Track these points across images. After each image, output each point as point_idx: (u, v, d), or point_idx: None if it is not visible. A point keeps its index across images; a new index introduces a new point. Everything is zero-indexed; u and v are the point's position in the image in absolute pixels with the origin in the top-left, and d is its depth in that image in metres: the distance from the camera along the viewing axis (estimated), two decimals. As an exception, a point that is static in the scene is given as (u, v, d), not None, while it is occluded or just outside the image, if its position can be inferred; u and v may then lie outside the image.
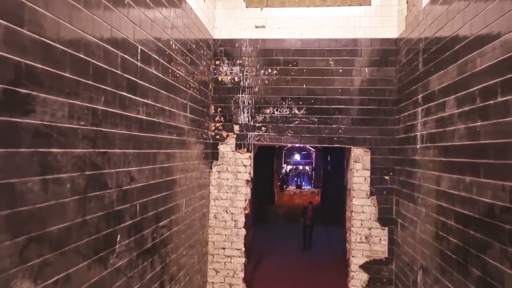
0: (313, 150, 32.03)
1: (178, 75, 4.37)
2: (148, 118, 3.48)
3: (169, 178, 4.16)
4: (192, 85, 4.98)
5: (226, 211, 6.18)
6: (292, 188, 31.93)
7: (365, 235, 5.97)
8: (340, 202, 15.11)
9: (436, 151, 4.13)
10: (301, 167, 37.41)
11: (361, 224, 5.98)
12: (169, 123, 4.09)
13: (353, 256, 5.98)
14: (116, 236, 2.86)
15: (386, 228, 5.93)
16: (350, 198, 6.31)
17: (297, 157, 38.22)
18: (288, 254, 12.61)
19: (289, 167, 37.69)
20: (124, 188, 2.98)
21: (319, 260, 11.64)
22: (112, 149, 2.78)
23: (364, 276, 5.94)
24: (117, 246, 2.88)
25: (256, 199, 15.15)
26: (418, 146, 4.76)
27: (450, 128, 3.78)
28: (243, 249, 6.19)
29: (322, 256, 12.39)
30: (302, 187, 31.98)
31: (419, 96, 4.75)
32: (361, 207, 5.98)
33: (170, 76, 4.07)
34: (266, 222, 17.11)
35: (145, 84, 3.40)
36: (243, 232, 6.19)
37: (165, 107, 3.95)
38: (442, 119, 3.99)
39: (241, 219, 6.18)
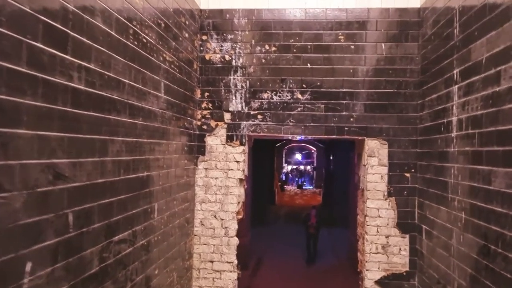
0: (315, 149, 31.29)
1: (146, 41, 3.36)
2: (90, 90, 2.47)
3: (132, 176, 3.15)
4: (168, 59, 3.96)
5: (215, 216, 5.17)
6: (293, 188, 31.10)
7: (381, 244, 4.95)
8: (344, 202, 14.37)
9: (484, 139, 3.12)
10: (302, 167, 36.60)
11: (377, 231, 4.96)
12: (131, 102, 3.08)
13: (367, 270, 4.97)
14: (24, 263, 1.84)
15: (407, 236, 4.92)
16: (363, 199, 5.29)
17: (298, 156, 37.49)
18: (289, 259, 11.63)
19: (290, 167, 36.90)
20: (41, 190, 1.97)
21: (321, 266, 10.69)
22: (13, 129, 1.77)
23: (380, 294, 4.93)
24: (26, 280, 1.86)
25: (255, 199, 14.30)
26: (453, 134, 3.74)
27: (508, 106, 2.77)
28: (236, 261, 5.18)
29: (325, 261, 11.46)
30: (303, 187, 31.18)
31: (454, 72, 3.74)
32: (377, 211, 4.97)
33: (131, 39, 3.06)
34: (266, 223, 16.21)
35: (85, 40, 2.38)
36: (235, 241, 5.18)
37: (124, 80, 2.94)
38: (494, 96, 2.97)
39: (233, 226, 5.16)
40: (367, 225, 4.98)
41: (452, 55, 3.79)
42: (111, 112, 2.73)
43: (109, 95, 2.71)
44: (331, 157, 17.79)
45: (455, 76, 3.72)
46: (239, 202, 5.19)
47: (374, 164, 4.98)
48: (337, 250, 12.47)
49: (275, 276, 10.11)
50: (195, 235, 5.17)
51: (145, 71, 3.35)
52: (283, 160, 35.53)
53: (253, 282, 9.99)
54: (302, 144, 32.73)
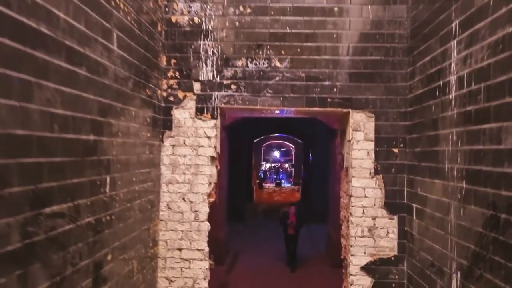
0: (293, 146, 31.08)
1: (91, -24, 2.75)
2: (5, 11, 1.86)
3: (72, 137, 2.54)
4: (124, 8, 3.36)
5: (184, 198, 4.59)
6: (271, 185, 30.77)
7: (368, 226, 4.50)
8: (322, 198, 14.00)
9: (492, 92, 2.67)
10: (280, 165, 36.37)
11: (363, 213, 4.50)
12: (69, 43, 2.47)
13: (352, 255, 4.50)
14: None
15: (395, 217, 4.48)
16: (347, 179, 4.83)
17: (276, 154, 37.25)
18: (267, 254, 11.15)
19: (268, 164, 36.61)
20: None
21: (299, 260, 10.25)
22: None
23: (366, 281, 4.48)
24: None
25: (233, 195, 13.79)
26: (451, 96, 3.30)
27: (524, 49, 2.33)
28: (207, 249, 4.62)
29: (303, 255, 11.06)
30: (282, 185, 30.91)
31: (453, 24, 3.29)
32: (363, 190, 4.51)
33: (70, -35, 2.45)
34: (244, 220, 15.74)
35: None
36: (206, 226, 4.62)
37: (57, 12, 2.33)
38: (505, 39, 2.53)
39: (204, 209, 4.60)
40: (352, 206, 4.52)
41: (450, 6, 3.35)
42: (36, 48, 2.12)
43: (34, 25, 2.10)
44: (310, 153, 17.50)
45: (454, 29, 3.27)
46: (210, 183, 4.63)
47: (360, 139, 4.52)
48: (316, 245, 12.12)
49: (251, 272, 9.61)
50: (161, 220, 4.58)
51: (90, 11, 2.75)
52: (261, 158, 35.25)
53: (229, 278, 9.48)
54: (281, 141, 32.46)
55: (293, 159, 32.76)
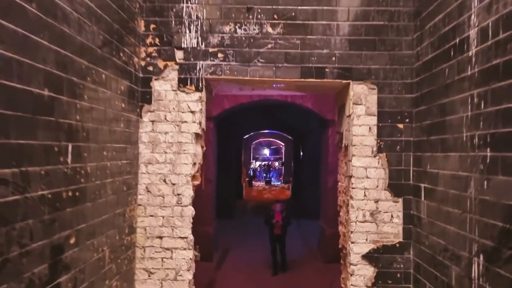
0: (283, 144, 30.78)
1: None
2: None
3: (16, 86, 2.03)
4: (91, -50, 2.86)
5: (165, 180, 4.09)
6: (261, 183, 30.41)
7: (370, 210, 4.05)
8: (314, 193, 13.62)
9: (527, 38, 2.24)
10: (270, 163, 36.11)
11: (365, 195, 4.06)
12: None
13: (352, 242, 4.06)
14: None
15: (400, 200, 4.05)
16: (346, 159, 4.39)
17: (266, 151, 36.97)
18: (257, 251, 10.70)
19: (258, 163, 36.29)
20: None
21: (291, 257, 9.80)
22: None
23: (369, 271, 4.03)
24: None
25: (222, 192, 13.29)
26: (471, 52, 2.87)
27: None
28: (191, 237, 4.13)
29: (295, 252, 10.64)
30: (272, 183, 30.58)
31: (472, -29, 2.86)
32: (365, 170, 4.07)
33: None
34: (233, 217, 15.30)
35: None
36: (190, 211, 4.12)
37: None
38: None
39: (188, 192, 4.10)
40: (352, 188, 4.07)
41: (468, -49, 2.92)
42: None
43: None
44: (301, 149, 17.15)
45: (473, -25, 2.84)
46: (195, 164, 4.14)
47: (361, 113, 4.08)
48: (307, 241, 11.74)
49: (241, 269, 9.15)
50: (139, 205, 4.07)
51: None
52: (251, 156, 34.92)
53: (217, 275, 9.02)
54: (271, 139, 32.14)
55: (283, 157, 32.59)
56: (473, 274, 2.81)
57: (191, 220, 4.10)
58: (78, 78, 2.70)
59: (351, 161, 4.09)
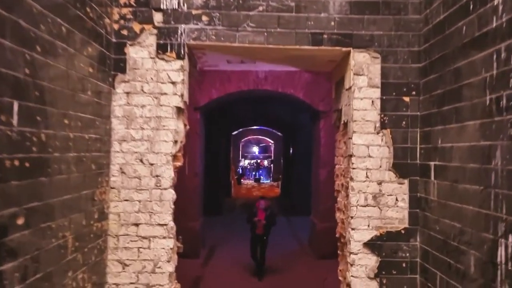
0: (272, 141, 30.46)
1: None
2: None
3: None
4: None
5: (141, 160, 3.60)
6: (250, 181, 30.01)
7: (372, 193, 3.63)
8: (304, 190, 13.07)
9: None
10: (259, 161, 35.83)
11: (367, 177, 3.63)
12: None
13: (353, 229, 3.62)
14: None
15: (406, 182, 3.63)
16: (346, 137, 3.96)
17: (255, 149, 36.64)
18: (245, 247, 10.24)
19: (246, 161, 35.93)
20: None
21: (282, 253, 9.36)
22: None
23: (371, 260, 3.61)
24: None
25: (210, 188, 12.89)
26: (497, 0, 2.46)
27: None
28: (173, 225, 3.65)
29: (286, 247, 10.21)
30: (261, 181, 30.26)
31: None
32: (367, 149, 3.64)
33: None
34: (221, 214, 14.83)
35: None
36: (171, 195, 3.64)
37: None
38: None
39: (168, 173, 3.62)
40: (353, 169, 3.64)
41: None
42: None
43: None
44: (291, 145, 16.78)
45: None
46: (176, 142, 3.66)
47: (363, 85, 3.64)
48: (298, 237, 11.33)
49: (228, 266, 8.66)
50: (112, 188, 3.57)
51: None
52: (240, 154, 34.57)
53: (204, 272, 8.54)
54: (260, 136, 31.79)
55: (273, 155, 32.36)
56: (498, 259, 2.39)
57: (172, 205, 3.62)
58: (27, 22, 2.21)
59: (351, 138, 3.66)
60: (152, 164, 3.59)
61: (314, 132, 10.78)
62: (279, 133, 22.39)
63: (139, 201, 3.58)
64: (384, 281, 3.57)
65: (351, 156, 3.66)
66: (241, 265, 8.81)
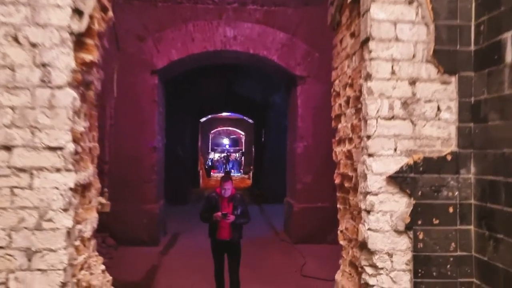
0: (243, 133, 29.34)
1: None
2: None
3: None
4: None
5: (16, 38, 2.07)
6: (221, 174, 28.67)
7: (401, 98, 2.27)
8: (277, 177, 12.12)
9: None
10: (229, 154, 34.74)
11: (392, 72, 2.27)
12: None
13: (370, 155, 2.25)
14: None
15: (454, 79, 2.29)
16: (355, 44, 2.58)
17: (225, 141, 35.55)
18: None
19: (216, 155, 34.68)
20: None
21: (255, 240, 8.00)
22: None
23: (399, 204, 2.25)
24: None
25: (174, 178, 11.69)
26: None
27: None
28: (72, 147, 2.14)
29: (259, 232, 8.89)
30: (231, 174, 29.12)
31: None
32: (392, 27, 2.27)
33: None
34: (188, 203, 13.49)
35: None
36: (69, 98, 2.12)
37: None
38: None
39: (64, 63, 2.10)
40: (371, 60, 2.27)
41: None
42: None
43: None
44: (263, 131, 15.74)
45: None
46: (80, 11, 2.16)
47: None
48: (272, 225, 10.12)
49: (190, 254, 7.24)
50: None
51: None
52: (210, 147, 33.34)
53: (163, 260, 7.08)
54: (230, 128, 30.55)
55: (243, 147, 31.50)
56: None
57: (72, 116, 2.12)
58: None
59: (368, 11, 2.28)
60: (34, 45, 2.07)
61: (290, 101, 9.51)
62: (250, 120, 21.14)
63: (12, 108, 2.06)
64: (420, 236, 2.24)
65: (367, 39, 2.28)
66: (206, 253, 7.36)
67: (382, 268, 2.25)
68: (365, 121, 2.29)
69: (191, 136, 15.79)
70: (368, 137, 2.26)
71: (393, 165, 2.25)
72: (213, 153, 33.80)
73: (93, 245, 2.70)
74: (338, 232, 2.98)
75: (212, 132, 30.78)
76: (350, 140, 2.65)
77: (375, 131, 2.25)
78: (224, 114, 22.33)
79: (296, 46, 8.34)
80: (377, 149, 2.26)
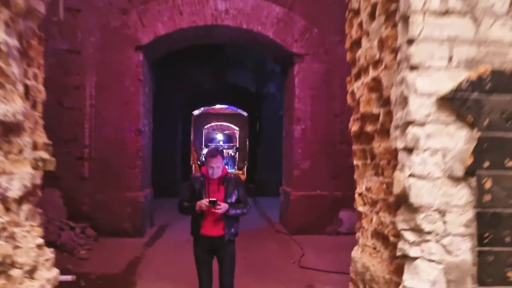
0: (237, 128, 28.83)
1: None
2: None
3: None
4: None
5: None
6: (213, 165, 28.20)
7: (459, -16, 1.56)
8: (272, 169, 12.07)
9: None
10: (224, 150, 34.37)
11: None
12: None
13: (413, 68, 1.54)
14: None
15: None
16: None
17: (219, 136, 35.19)
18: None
19: (211, 151, 34.23)
20: None
21: (249, 232, 7.33)
22: None
23: (455, 139, 1.53)
24: None
25: (165, 171, 11.57)
26: None
27: None
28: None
29: (253, 224, 8.27)
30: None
31: None
32: None
33: None
34: (176, 196, 12.93)
35: None
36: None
37: None
38: None
39: None
40: None
41: None
42: None
43: None
44: (257, 123, 15.39)
45: None
46: None
47: None
48: (267, 217, 9.65)
49: (178, 247, 6.56)
50: None
51: None
52: (203, 142, 32.86)
53: (147, 252, 6.44)
54: (224, 123, 30.04)
55: (238, 143, 31.16)
56: None
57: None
58: None
59: None
60: None
61: (286, 82, 8.90)
62: (244, 114, 20.50)
63: None
64: (487, 184, 1.52)
65: None
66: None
67: (430, 233, 1.53)
68: (406, 20, 1.56)
69: (183, 128, 15.18)
70: (410, 41, 1.54)
71: (447, 82, 1.53)
72: (206, 149, 33.20)
73: (27, 211, 1.96)
74: (356, 196, 2.26)
75: (205, 127, 30.19)
76: (377, 63, 1.93)
77: (421, 31, 1.53)
78: (218, 106, 21.69)
79: (294, 21, 7.71)
80: (424, 59, 1.53)
